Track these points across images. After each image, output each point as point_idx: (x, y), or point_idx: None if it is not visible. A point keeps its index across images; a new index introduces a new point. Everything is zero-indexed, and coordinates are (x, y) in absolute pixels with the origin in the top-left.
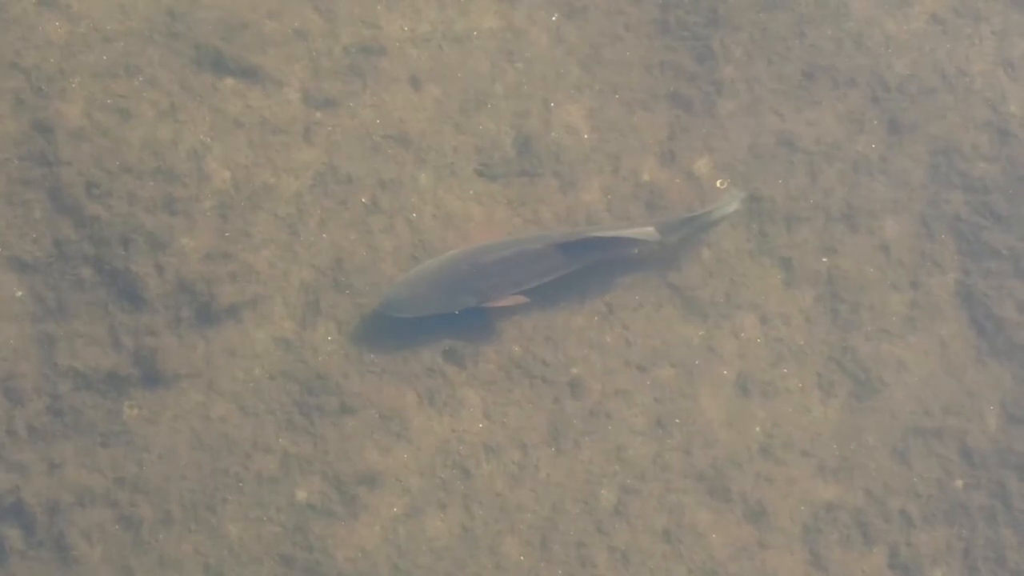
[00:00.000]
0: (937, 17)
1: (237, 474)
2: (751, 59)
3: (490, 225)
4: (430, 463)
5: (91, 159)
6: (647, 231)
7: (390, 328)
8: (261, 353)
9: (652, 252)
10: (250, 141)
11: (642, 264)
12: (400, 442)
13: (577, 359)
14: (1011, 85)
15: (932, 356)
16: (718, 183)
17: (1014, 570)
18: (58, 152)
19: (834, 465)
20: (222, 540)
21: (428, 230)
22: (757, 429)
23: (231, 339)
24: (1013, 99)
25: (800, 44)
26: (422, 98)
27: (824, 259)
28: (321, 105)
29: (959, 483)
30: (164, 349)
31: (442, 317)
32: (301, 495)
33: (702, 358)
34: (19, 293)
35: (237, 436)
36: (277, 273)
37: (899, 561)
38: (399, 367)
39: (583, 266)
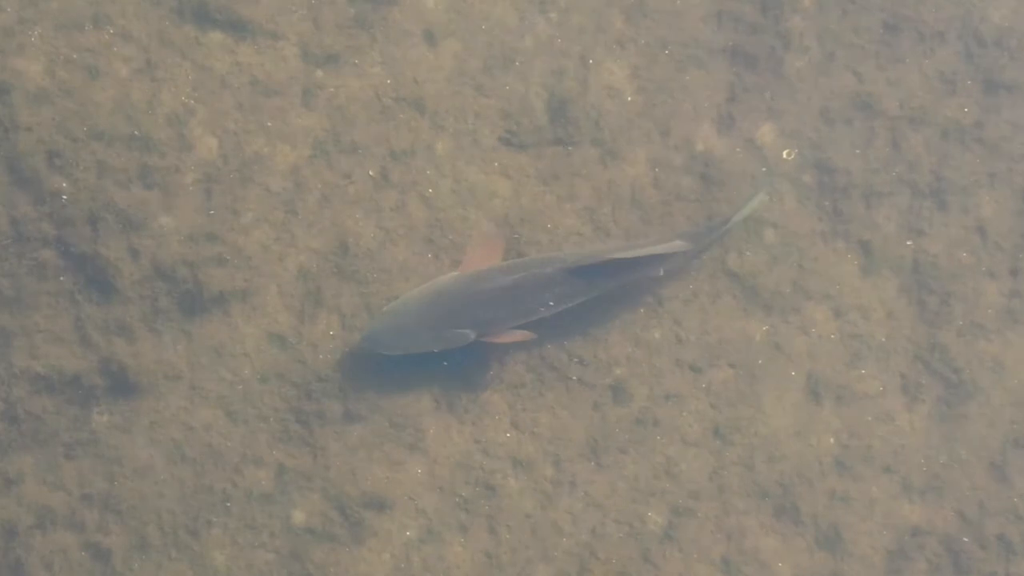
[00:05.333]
0: None
1: (224, 492)
2: (823, 8)
3: (489, 244)
4: (449, 479)
5: (54, 124)
6: (675, 244)
7: None
8: (252, 351)
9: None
10: (239, 104)
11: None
12: (414, 455)
13: (620, 358)
14: None
15: None
16: (785, 153)
17: None
18: (15, 116)
19: (921, 483)
20: (207, 570)
21: (446, 208)
22: (831, 440)
23: (217, 335)
24: None
25: None
26: (439, 55)
27: (909, 242)
28: (322, 63)
29: None
30: (139, 346)
31: None
32: (298, 517)
33: (766, 357)
34: None
35: (224, 448)
36: (271, 258)
37: None
38: (412, 367)
39: (601, 293)
